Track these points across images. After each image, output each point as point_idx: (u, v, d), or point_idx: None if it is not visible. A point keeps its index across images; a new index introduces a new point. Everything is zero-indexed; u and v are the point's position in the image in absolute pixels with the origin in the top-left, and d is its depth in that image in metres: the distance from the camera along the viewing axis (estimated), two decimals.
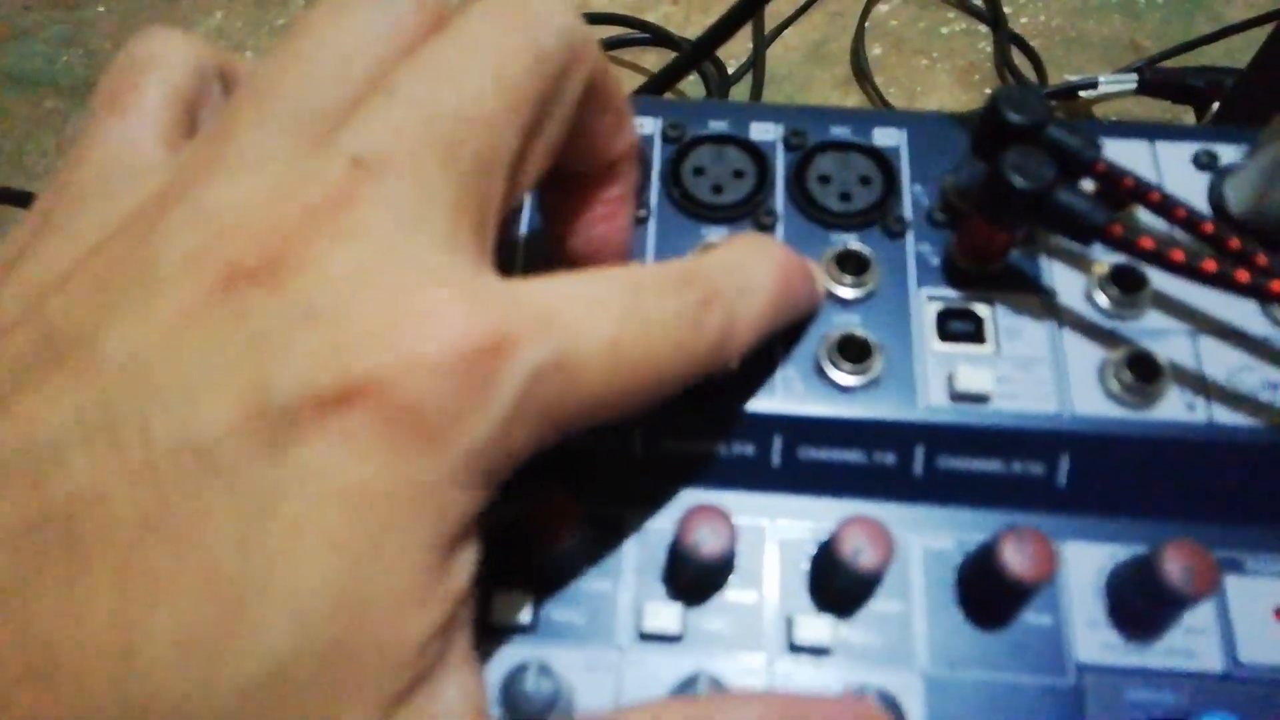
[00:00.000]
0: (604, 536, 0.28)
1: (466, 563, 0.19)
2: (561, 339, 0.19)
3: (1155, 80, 0.66)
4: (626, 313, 0.20)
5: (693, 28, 0.75)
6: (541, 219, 0.29)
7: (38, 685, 0.15)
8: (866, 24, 0.74)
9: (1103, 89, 0.66)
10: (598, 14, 0.73)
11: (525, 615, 0.26)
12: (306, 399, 0.16)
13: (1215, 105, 0.63)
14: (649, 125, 0.33)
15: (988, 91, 0.71)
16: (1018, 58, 0.72)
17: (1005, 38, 0.72)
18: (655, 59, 0.74)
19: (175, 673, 0.16)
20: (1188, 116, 0.67)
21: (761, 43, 0.73)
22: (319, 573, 0.16)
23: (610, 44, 0.73)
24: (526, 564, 0.27)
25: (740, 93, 0.71)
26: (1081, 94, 0.67)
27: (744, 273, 0.25)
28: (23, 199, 0.53)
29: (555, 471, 0.28)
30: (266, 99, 0.20)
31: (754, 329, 0.24)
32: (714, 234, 0.31)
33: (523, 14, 0.21)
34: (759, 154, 0.32)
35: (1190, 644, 0.27)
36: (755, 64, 0.72)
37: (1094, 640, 0.27)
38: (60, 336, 0.17)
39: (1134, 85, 0.66)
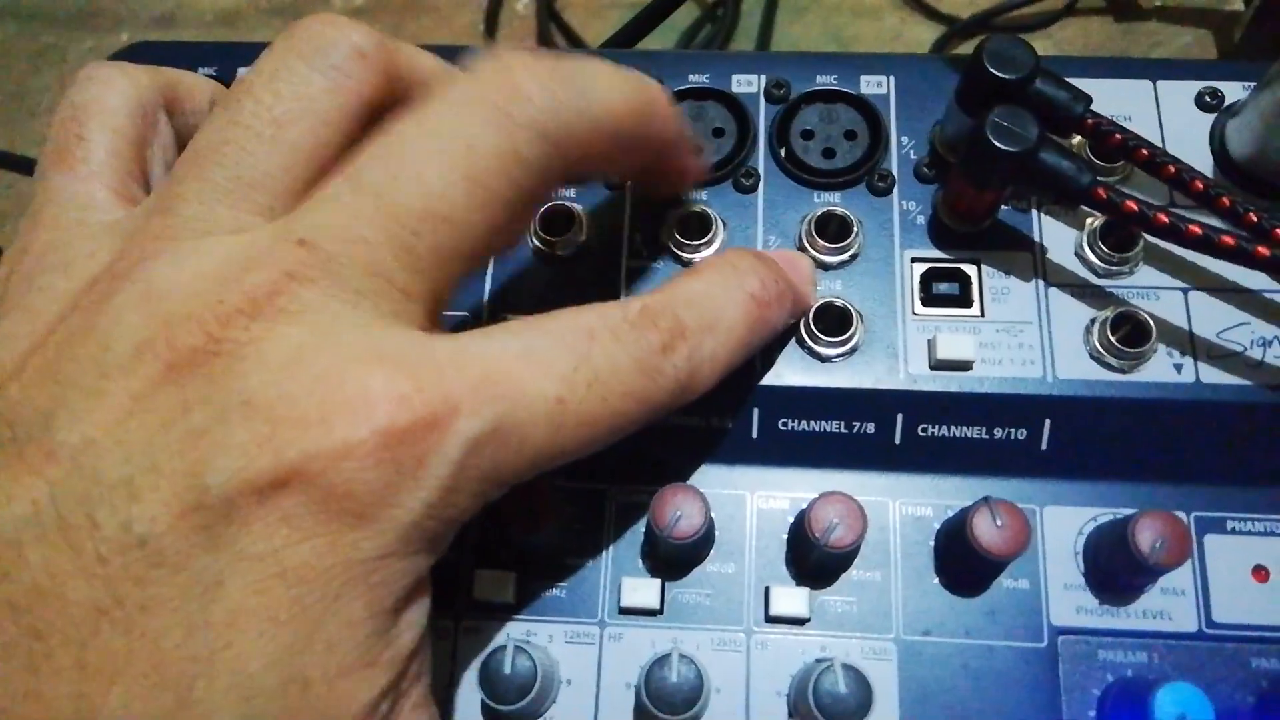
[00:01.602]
0: (584, 513, 0.29)
1: (414, 621, 0.20)
2: (500, 406, 0.19)
3: None
4: (575, 367, 0.20)
5: None
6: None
7: None
8: None
9: None
10: None
11: (507, 593, 0.27)
12: (242, 488, 0.17)
13: None
14: None
15: None
16: None
17: None
18: None
19: None
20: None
21: None
22: (263, 652, 0.17)
23: None
24: (508, 544, 0.28)
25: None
26: None
27: (713, 307, 0.23)
28: (24, 165, 0.53)
29: None
30: (207, 168, 0.20)
31: (721, 366, 0.23)
32: (694, 197, 0.30)
33: (504, 107, 0.20)
34: (740, 109, 0.31)
35: (1166, 605, 0.27)
36: None
37: (1070, 603, 0.27)
38: (21, 424, 0.18)
39: None
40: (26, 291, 0.20)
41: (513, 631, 0.27)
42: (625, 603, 0.27)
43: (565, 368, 0.20)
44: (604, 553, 0.28)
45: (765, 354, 0.28)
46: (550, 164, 0.21)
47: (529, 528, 0.26)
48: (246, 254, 0.19)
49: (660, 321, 0.22)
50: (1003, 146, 0.26)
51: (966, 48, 0.65)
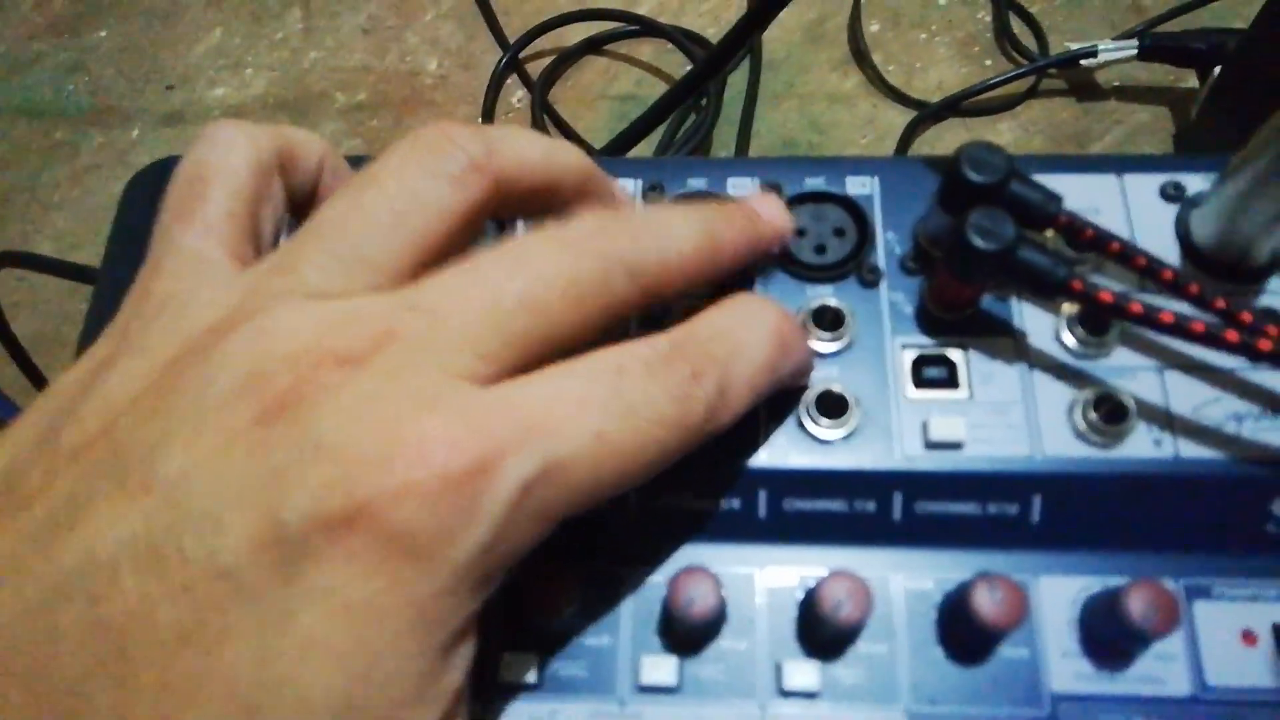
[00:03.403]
0: (603, 594, 0.30)
1: (463, 659, 0.22)
2: (546, 446, 0.20)
3: (1156, 45, 0.65)
4: (609, 401, 0.22)
5: (687, 17, 0.75)
6: None
7: None
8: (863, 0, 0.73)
9: (1103, 56, 0.66)
10: (589, 10, 0.73)
11: (531, 675, 0.29)
12: (314, 525, 0.19)
13: (1217, 69, 0.62)
14: (628, 186, 0.34)
15: (988, 64, 0.71)
16: (1017, 27, 0.72)
17: (1004, 6, 0.72)
18: (650, 51, 0.74)
19: None
20: (1190, 80, 0.67)
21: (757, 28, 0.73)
22: (326, 682, 0.19)
23: (603, 39, 0.73)
24: (531, 628, 0.29)
25: (737, 81, 0.71)
26: (1082, 62, 0.66)
27: (738, 336, 0.26)
28: (36, 261, 0.55)
29: (556, 535, 0.30)
30: (329, 240, 0.23)
31: (748, 393, 0.25)
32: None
33: (606, 248, 0.23)
34: None
35: (1160, 670, 0.29)
36: (752, 50, 0.72)
37: (1068, 670, 0.29)
38: (126, 454, 0.20)
39: (1135, 51, 0.65)
40: (146, 334, 0.22)
41: (537, 713, 0.28)
42: (644, 681, 0.28)
43: (601, 402, 0.22)
44: (622, 633, 0.29)
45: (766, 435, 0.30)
46: (630, 297, 0.24)
47: (550, 611, 0.27)
48: (355, 311, 0.21)
49: (688, 352, 0.24)
50: (982, 246, 0.28)
51: (936, 130, 0.69)
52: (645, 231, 0.25)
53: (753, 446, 0.30)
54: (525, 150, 0.26)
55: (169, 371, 0.21)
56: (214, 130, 0.26)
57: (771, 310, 0.28)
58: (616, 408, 0.22)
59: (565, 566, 0.28)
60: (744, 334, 0.26)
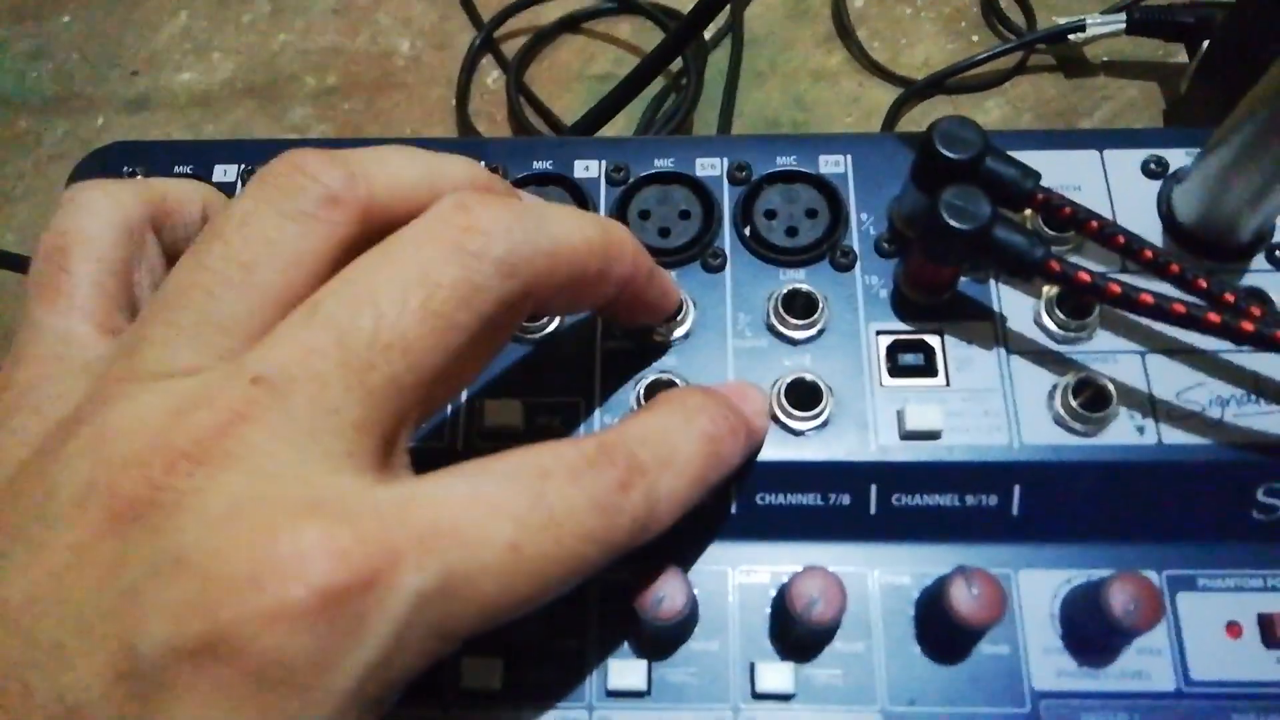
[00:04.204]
0: (569, 598, 0.29)
1: None
2: (449, 556, 0.18)
3: (1144, 19, 0.64)
4: (529, 510, 0.19)
5: None
6: None
7: None
8: None
9: (1091, 30, 0.64)
10: None
11: (495, 681, 0.27)
12: (173, 654, 0.16)
13: (1206, 43, 0.61)
14: (592, 168, 0.33)
15: (975, 39, 0.69)
16: (1004, 2, 0.70)
17: None
18: (629, 29, 0.72)
19: None
20: (1179, 54, 0.65)
21: (740, 3, 0.71)
22: None
23: (580, 17, 0.71)
24: (494, 632, 0.28)
25: (719, 60, 0.70)
26: (1070, 37, 0.65)
27: (669, 443, 0.23)
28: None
29: None
30: (172, 311, 0.20)
31: (678, 504, 0.23)
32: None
33: (462, 240, 0.20)
34: (705, 192, 0.32)
35: (1143, 665, 0.28)
36: (734, 27, 0.71)
37: (1050, 667, 0.28)
38: None
39: (1123, 25, 0.64)
40: (3, 436, 0.20)
41: (503, 717, 0.27)
42: (612, 685, 0.27)
43: (518, 510, 0.19)
44: (589, 635, 0.28)
45: None
46: (507, 297, 0.21)
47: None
48: (198, 393, 0.19)
49: (616, 459, 0.21)
50: (957, 225, 0.27)
51: (923, 107, 0.67)
52: (515, 215, 0.21)
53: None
54: (400, 171, 0.22)
55: (13, 482, 0.19)
56: (73, 194, 0.24)
57: (704, 412, 0.25)
58: (536, 518, 0.19)
59: None
60: (675, 439, 0.23)
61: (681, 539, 0.29)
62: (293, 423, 0.18)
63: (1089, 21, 0.65)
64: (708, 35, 0.71)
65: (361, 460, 0.19)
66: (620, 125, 0.49)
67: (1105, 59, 0.68)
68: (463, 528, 0.18)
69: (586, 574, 0.21)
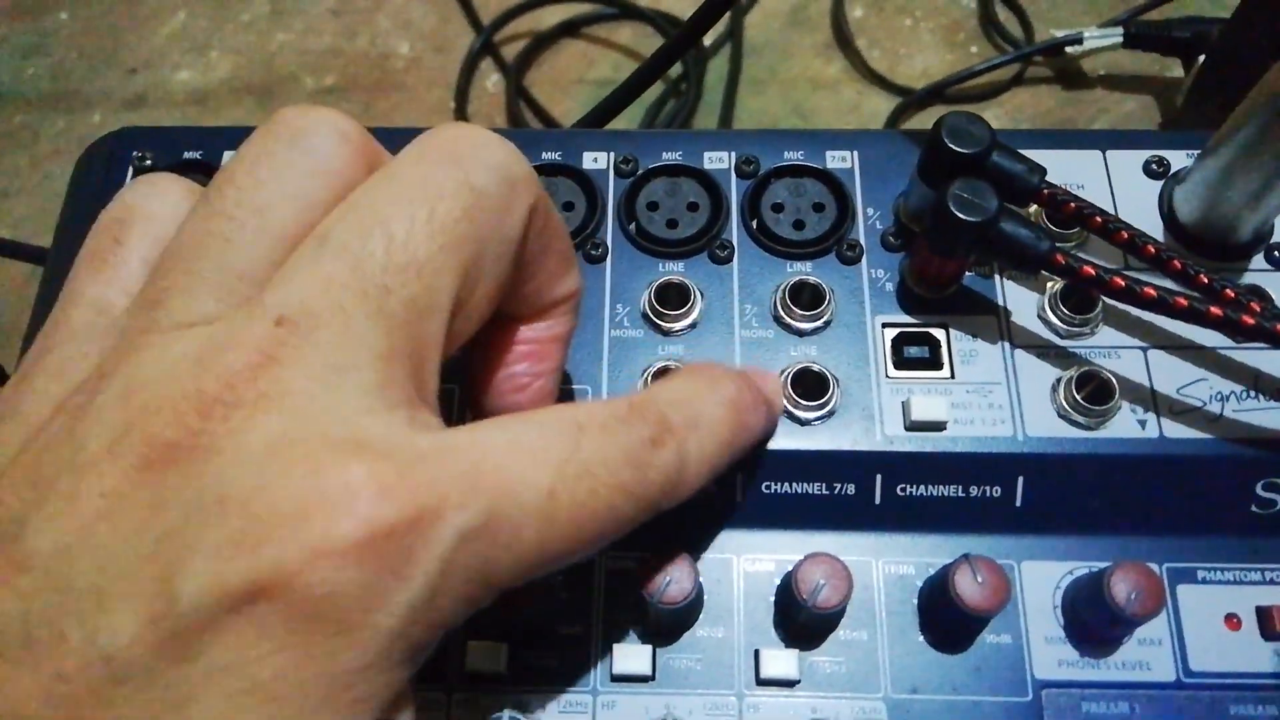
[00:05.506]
0: (574, 582, 0.29)
1: None
2: (491, 497, 0.18)
3: (1141, 33, 0.65)
4: (565, 459, 0.19)
5: None
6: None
7: None
8: None
9: (1088, 44, 0.65)
10: None
11: (500, 664, 0.27)
12: (214, 598, 0.16)
13: (1201, 57, 0.62)
14: (601, 159, 0.33)
15: (973, 51, 0.70)
16: (1002, 14, 0.71)
17: None
18: (629, 34, 0.73)
19: None
20: (1175, 69, 0.66)
21: (739, 10, 0.72)
22: None
23: (581, 21, 0.72)
24: (500, 616, 0.28)
25: (718, 67, 0.70)
26: (1068, 50, 0.66)
27: (696, 408, 0.24)
28: None
29: None
30: (191, 261, 0.20)
31: (708, 466, 0.23)
32: (670, 269, 0.31)
33: (455, 153, 0.20)
34: (713, 185, 0.32)
35: (1144, 656, 0.28)
36: (733, 34, 0.71)
37: (1052, 657, 0.28)
38: None
39: (1120, 39, 0.65)
40: (22, 396, 0.20)
41: (506, 703, 0.27)
42: (617, 670, 0.27)
43: (556, 458, 0.19)
44: (594, 620, 0.28)
45: None
46: (508, 202, 0.21)
47: (519, 601, 0.26)
48: (224, 338, 0.18)
49: (648, 416, 0.22)
50: (964, 217, 0.27)
51: (921, 117, 0.68)
52: (505, 141, 0.21)
53: None
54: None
55: (40, 435, 0.19)
56: (146, 178, 0.24)
57: (729, 380, 0.25)
58: (573, 467, 0.19)
59: None
60: (703, 403, 0.24)
61: (687, 526, 0.29)
62: (322, 359, 0.18)
63: (1086, 35, 0.66)
64: (707, 42, 0.71)
65: (394, 394, 0.19)
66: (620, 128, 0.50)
67: (1102, 72, 0.69)
68: (503, 471, 0.18)
69: (618, 531, 0.21)
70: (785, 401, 0.29)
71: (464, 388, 0.28)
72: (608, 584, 0.29)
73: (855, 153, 0.33)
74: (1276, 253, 0.31)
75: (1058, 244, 0.28)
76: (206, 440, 0.17)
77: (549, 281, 0.24)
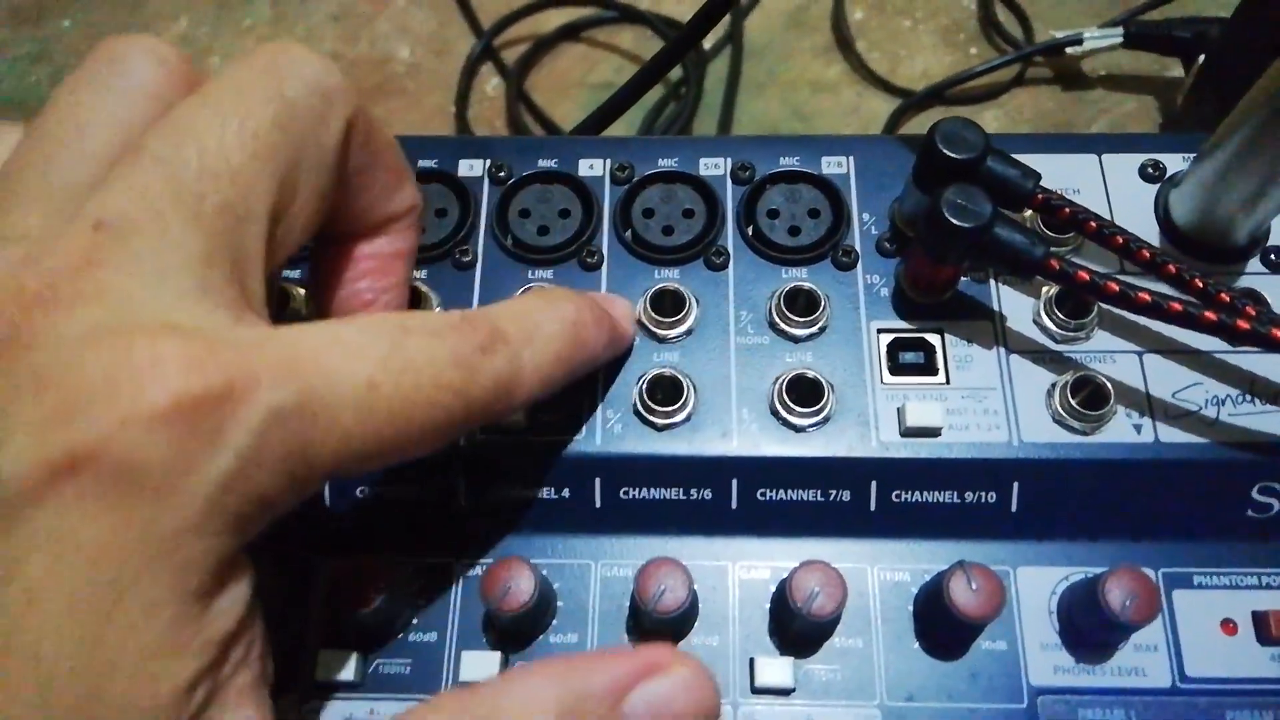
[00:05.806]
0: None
1: (230, 606, 0.19)
2: (306, 382, 0.19)
3: (1141, 33, 0.65)
4: (388, 354, 0.20)
5: (666, 3, 0.74)
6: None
7: None
8: None
9: (1088, 44, 0.65)
10: None
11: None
12: (36, 469, 0.17)
13: (1201, 57, 0.62)
14: (597, 166, 0.33)
15: (973, 52, 0.70)
16: (1002, 14, 0.71)
17: None
18: (630, 38, 0.73)
19: None
20: (1176, 69, 0.66)
21: (739, 13, 0.72)
22: (59, 634, 0.17)
23: (581, 25, 0.72)
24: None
25: (718, 69, 0.70)
26: (1068, 50, 0.66)
27: (533, 320, 0.24)
28: None
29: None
30: (16, 181, 0.21)
31: (541, 377, 0.24)
32: (666, 276, 0.31)
33: (268, 68, 0.22)
34: (708, 191, 0.32)
35: (1140, 661, 0.28)
36: (733, 37, 0.71)
37: (1047, 663, 0.28)
38: None
39: (1120, 39, 0.65)
40: None
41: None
42: None
43: (378, 353, 0.20)
44: (589, 630, 0.28)
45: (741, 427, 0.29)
46: (322, 113, 0.22)
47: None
48: (45, 246, 0.19)
49: (479, 325, 0.22)
50: (958, 223, 0.27)
51: (921, 119, 0.68)
52: (324, 59, 0.23)
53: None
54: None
55: None
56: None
57: (568, 301, 0.26)
58: (395, 362, 0.20)
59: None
60: (539, 318, 0.25)
61: (680, 533, 0.30)
62: (140, 262, 0.19)
63: (1086, 35, 0.66)
64: (707, 45, 0.71)
65: (215, 297, 0.20)
66: (619, 132, 0.50)
67: (1102, 72, 0.69)
68: (322, 360, 0.19)
69: (450, 428, 0.21)
70: (780, 408, 0.29)
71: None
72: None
73: (850, 158, 0.33)
74: (1273, 256, 0.31)
75: (1052, 249, 0.28)
76: (28, 332, 0.18)
77: (382, 195, 0.25)
